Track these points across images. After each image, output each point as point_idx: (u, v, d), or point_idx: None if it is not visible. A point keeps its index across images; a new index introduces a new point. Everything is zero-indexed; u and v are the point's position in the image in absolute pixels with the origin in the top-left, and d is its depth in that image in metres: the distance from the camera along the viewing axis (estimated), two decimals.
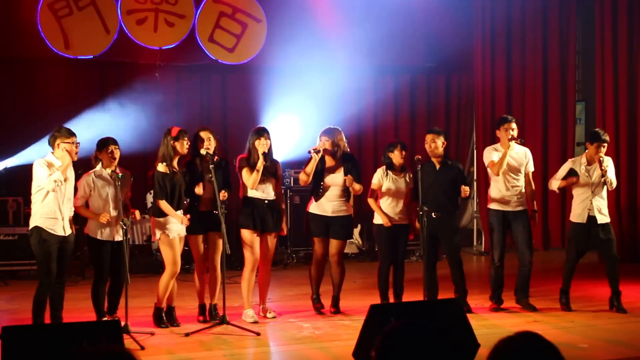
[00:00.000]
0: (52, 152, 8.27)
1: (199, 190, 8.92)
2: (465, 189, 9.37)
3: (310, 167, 9.34)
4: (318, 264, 9.59)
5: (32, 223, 8.23)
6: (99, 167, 8.56)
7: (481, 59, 14.83)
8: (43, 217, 8.16)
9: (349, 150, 9.71)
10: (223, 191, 8.82)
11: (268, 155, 9.12)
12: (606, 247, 9.57)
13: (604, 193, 9.54)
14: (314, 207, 9.53)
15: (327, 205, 9.47)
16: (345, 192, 9.53)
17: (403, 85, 15.43)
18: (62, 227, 8.23)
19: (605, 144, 9.47)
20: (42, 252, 8.17)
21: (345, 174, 9.45)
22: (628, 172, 13.61)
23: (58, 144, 8.23)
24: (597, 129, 10.02)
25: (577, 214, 9.58)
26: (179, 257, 8.82)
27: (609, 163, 9.50)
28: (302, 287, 10.43)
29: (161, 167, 8.81)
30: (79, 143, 8.34)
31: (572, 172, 9.60)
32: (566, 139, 14.96)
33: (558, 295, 9.73)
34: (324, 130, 9.66)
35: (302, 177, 9.48)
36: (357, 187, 9.47)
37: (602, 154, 9.41)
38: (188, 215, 8.77)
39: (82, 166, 8.69)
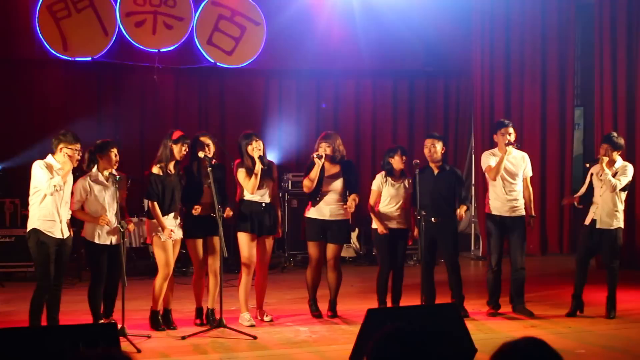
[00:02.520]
0: (53, 155, 8.23)
1: (195, 212, 8.88)
2: (460, 214, 9.44)
3: (314, 173, 9.32)
4: (314, 268, 9.56)
5: (30, 225, 8.19)
6: (94, 170, 8.52)
7: (480, 63, 14.83)
8: (41, 220, 8.12)
9: (345, 153, 9.68)
10: (228, 208, 8.82)
11: (263, 157, 9.09)
12: (604, 255, 9.53)
13: (617, 199, 9.39)
14: (311, 212, 9.52)
15: (324, 209, 9.45)
16: (343, 196, 9.52)
17: (401, 89, 15.44)
18: (60, 230, 8.19)
19: (606, 145, 9.38)
20: (40, 255, 8.13)
21: (345, 183, 9.44)
22: None
23: (61, 148, 8.18)
24: (611, 132, 10.00)
25: (587, 217, 9.57)
26: (171, 259, 8.80)
27: (621, 167, 9.40)
28: (299, 291, 10.42)
29: (155, 169, 8.80)
30: (81, 150, 8.31)
31: (590, 182, 9.59)
32: (565, 144, 14.96)
33: (555, 300, 9.73)
34: (322, 136, 9.64)
35: (307, 183, 9.42)
36: (356, 200, 9.47)
37: (603, 156, 9.33)
38: (172, 230, 8.75)
39: (78, 168, 8.65)
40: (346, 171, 9.51)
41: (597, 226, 9.42)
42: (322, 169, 9.40)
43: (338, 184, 9.47)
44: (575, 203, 9.73)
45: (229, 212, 8.81)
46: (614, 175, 9.30)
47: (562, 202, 9.87)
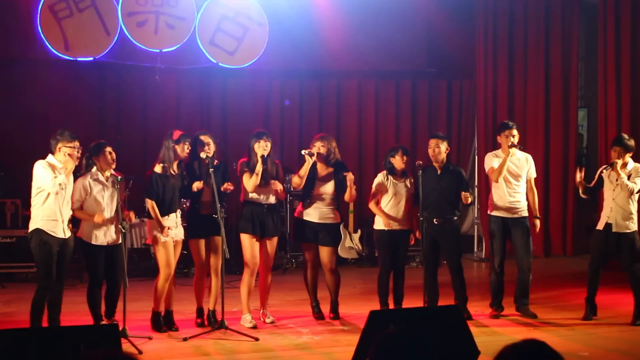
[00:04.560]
0: (53, 155, 8.20)
1: (197, 185, 8.84)
2: (465, 195, 9.30)
3: (304, 170, 9.28)
4: (311, 268, 9.56)
5: (33, 225, 8.17)
6: (94, 170, 8.48)
7: (483, 64, 14.79)
8: (44, 220, 8.10)
9: (340, 157, 9.65)
10: (229, 182, 8.82)
11: (268, 158, 9.06)
12: (623, 259, 9.39)
13: (631, 202, 9.23)
14: (302, 213, 9.48)
15: (315, 212, 9.41)
16: (335, 200, 9.49)
17: (404, 90, 15.40)
18: (62, 230, 8.18)
19: (617, 148, 9.20)
20: (43, 255, 8.11)
21: (337, 185, 9.41)
22: None
23: (59, 148, 8.17)
24: (621, 134, 9.88)
25: (599, 221, 9.46)
26: (172, 259, 8.77)
27: (634, 169, 9.22)
28: (301, 293, 10.37)
29: (158, 169, 8.78)
30: (80, 148, 8.28)
31: (599, 180, 9.45)
32: (568, 146, 14.91)
33: (558, 302, 9.67)
34: (317, 136, 9.64)
35: (296, 180, 9.41)
36: (352, 192, 9.41)
37: (616, 159, 9.17)
38: (170, 228, 8.72)
39: (76, 171, 8.62)
40: (338, 174, 9.47)
41: (614, 230, 9.23)
42: (315, 170, 9.36)
43: (330, 187, 9.43)
44: (580, 191, 9.59)
45: (231, 186, 8.83)
46: (628, 178, 9.20)
47: (576, 177, 9.65)
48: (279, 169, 9.31)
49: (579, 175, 9.39)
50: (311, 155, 9.27)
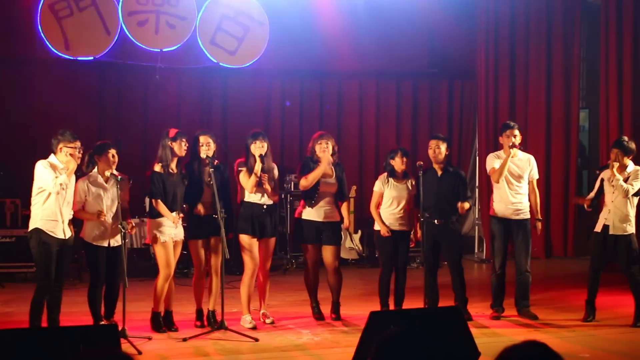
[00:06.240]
0: (55, 155, 8.19)
1: (199, 210, 8.85)
2: (462, 206, 9.33)
3: (318, 172, 9.25)
4: (312, 270, 9.52)
5: (32, 225, 8.16)
6: (94, 172, 8.47)
7: (484, 65, 14.78)
8: (44, 220, 8.09)
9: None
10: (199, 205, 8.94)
11: (265, 158, 9.04)
12: (620, 262, 9.36)
13: (628, 205, 9.18)
14: (305, 214, 9.45)
15: (319, 211, 9.39)
16: (337, 199, 9.49)
17: (405, 90, 15.39)
18: (62, 230, 8.16)
19: (616, 150, 9.20)
20: (42, 255, 8.10)
21: (339, 186, 9.45)
22: None
23: (61, 148, 8.16)
24: (621, 137, 9.84)
25: (597, 223, 9.43)
26: (172, 259, 8.74)
27: (633, 172, 9.16)
28: (301, 293, 10.36)
29: (157, 168, 8.76)
30: (82, 148, 8.27)
31: (601, 185, 9.41)
32: (569, 147, 14.89)
33: (559, 304, 9.64)
34: (320, 135, 9.58)
35: (308, 181, 9.32)
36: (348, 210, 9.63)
37: (614, 161, 9.15)
38: (181, 215, 8.72)
39: (77, 170, 8.60)
40: (339, 174, 9.49)
41: (611, 232, 9.21)
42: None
43: (333, 186, 9.44)
44: (586, 205, 9.56)
45: (199, 209, 8.90)
46: (625, 180, 9.16)
47: (573, 200, 9.70)
48: (275, 171, 9.27)
49: (583, 200, 9.41)
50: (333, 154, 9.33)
